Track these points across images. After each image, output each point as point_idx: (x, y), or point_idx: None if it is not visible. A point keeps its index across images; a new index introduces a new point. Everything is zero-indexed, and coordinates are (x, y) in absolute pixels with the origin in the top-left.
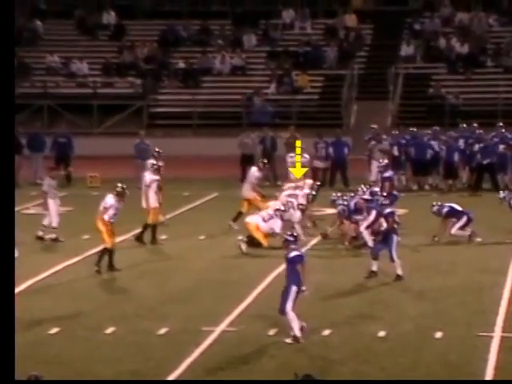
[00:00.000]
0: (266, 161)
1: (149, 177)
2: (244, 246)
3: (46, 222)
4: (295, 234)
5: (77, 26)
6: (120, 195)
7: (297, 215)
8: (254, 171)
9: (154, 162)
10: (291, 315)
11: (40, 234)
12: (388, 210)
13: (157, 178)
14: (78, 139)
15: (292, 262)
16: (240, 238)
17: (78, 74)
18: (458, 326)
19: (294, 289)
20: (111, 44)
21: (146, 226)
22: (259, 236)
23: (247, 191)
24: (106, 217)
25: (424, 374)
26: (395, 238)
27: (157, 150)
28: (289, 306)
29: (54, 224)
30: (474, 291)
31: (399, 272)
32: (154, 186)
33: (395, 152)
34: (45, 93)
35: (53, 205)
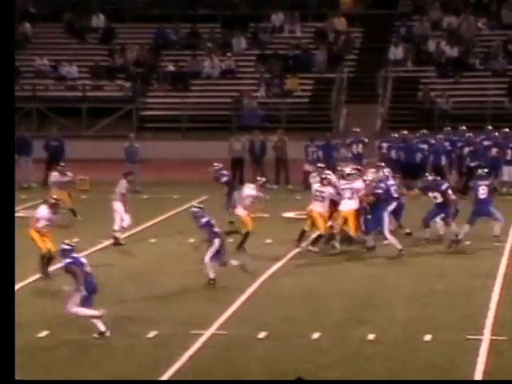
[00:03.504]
0: (264, 180)
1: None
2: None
3: (117, 226)
4: (71, 244)
5: (66, 29)
6: (53, 207)
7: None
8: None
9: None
10: (79, 311)
11: (117, 235)
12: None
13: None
14: (67, 142)
15: (66, 269)
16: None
17: (68, 77)
18: (447, 329)
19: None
20: (100, 47)
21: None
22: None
23: (239, 209)
24: (38, 225)
25: (413, 378)
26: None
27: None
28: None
29: (126, 224)
30: (463, 294)
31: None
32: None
33: (391, 155)
34: (34, 96)
35: (121, 207)
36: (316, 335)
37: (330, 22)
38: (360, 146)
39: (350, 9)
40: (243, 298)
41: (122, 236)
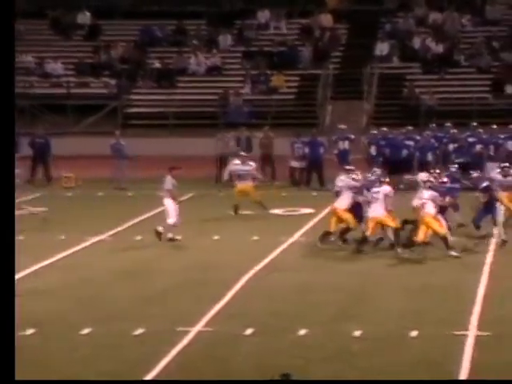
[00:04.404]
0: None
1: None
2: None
3: (171, 221)
4: None
5: (51, 26)
6: None
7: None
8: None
9: None
10: None
11: (170, 235)
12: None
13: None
14: (53, 139)
15: None
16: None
17: (53, 74)
18: (434, 324)
19: None
20: (86, 44)
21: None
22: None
23: None
24: None
25: (400, 374)
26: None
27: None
28: None
29: (176, 221)
30: (449, 290)
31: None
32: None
33: (373, 152)
34: (19, 93)
35: (172, 204)
36: (303, 331)
37: (316, 19)
38: (346, 142)
39: (335, 5)
40: (230, 294)
41: (171, 235)
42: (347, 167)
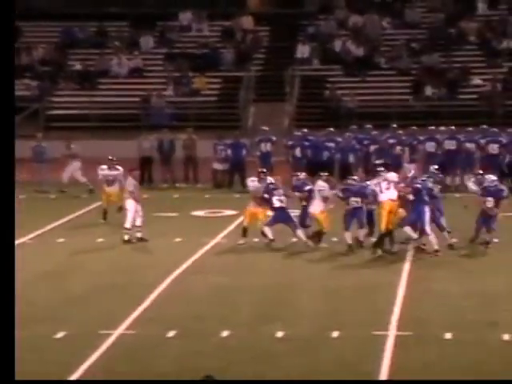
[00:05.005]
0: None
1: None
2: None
3: (128, 224)
4: None
5: None
6: None
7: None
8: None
9: None
10: None
11: (126, 237)
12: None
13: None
14: None
15: None
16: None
17: None
18: (355, 325)
19: None
20: None
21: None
22: None
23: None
24: None
25: (322, 374)
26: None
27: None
28: None
29: (138, 223)
30: (370, 291)
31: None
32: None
33: (298, 154)
34: None
35: (133, 205)
36: (226, 333)
37: (238, 21)
38: (268, 144)
39: (257, 7)
40: (153, 296)
41: (137, 234)
42: (321, 173)
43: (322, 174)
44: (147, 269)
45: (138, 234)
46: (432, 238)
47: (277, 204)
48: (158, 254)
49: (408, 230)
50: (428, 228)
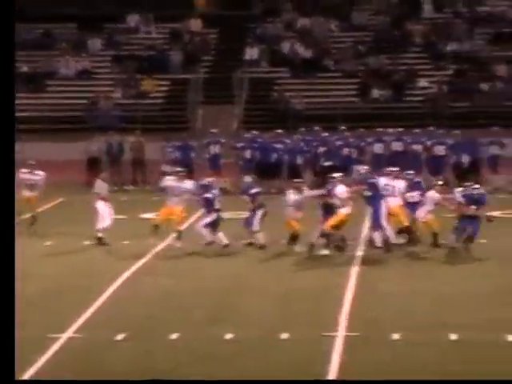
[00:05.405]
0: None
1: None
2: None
3: (100, 226)
4: None
5: None
6: None
7: None
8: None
9: None
10: None
11: (99, 235)
12: None
13: None
14: None
15: None
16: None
17: None
18: (303, 326)
19: None
20: None
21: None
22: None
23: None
24: None
25: (271, 375)
26: None
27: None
28: None
29: (106, 225)
30: (318, 292)
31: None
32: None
33: (247, 156)
34: None
35: (104, 207)
36: (175, 335)
37: (185, 23)
38: (217, 146)
39: (203, 8)
40: (102, 299)
41: (101, 234)
42: (296, 181)
43: (295, 180)
44: (96, 271)
45: (99, 235)
46: (389, 233)
47: (217, 206)
48: (107, 257)
49: (377, 236)
50: (384, 222)
